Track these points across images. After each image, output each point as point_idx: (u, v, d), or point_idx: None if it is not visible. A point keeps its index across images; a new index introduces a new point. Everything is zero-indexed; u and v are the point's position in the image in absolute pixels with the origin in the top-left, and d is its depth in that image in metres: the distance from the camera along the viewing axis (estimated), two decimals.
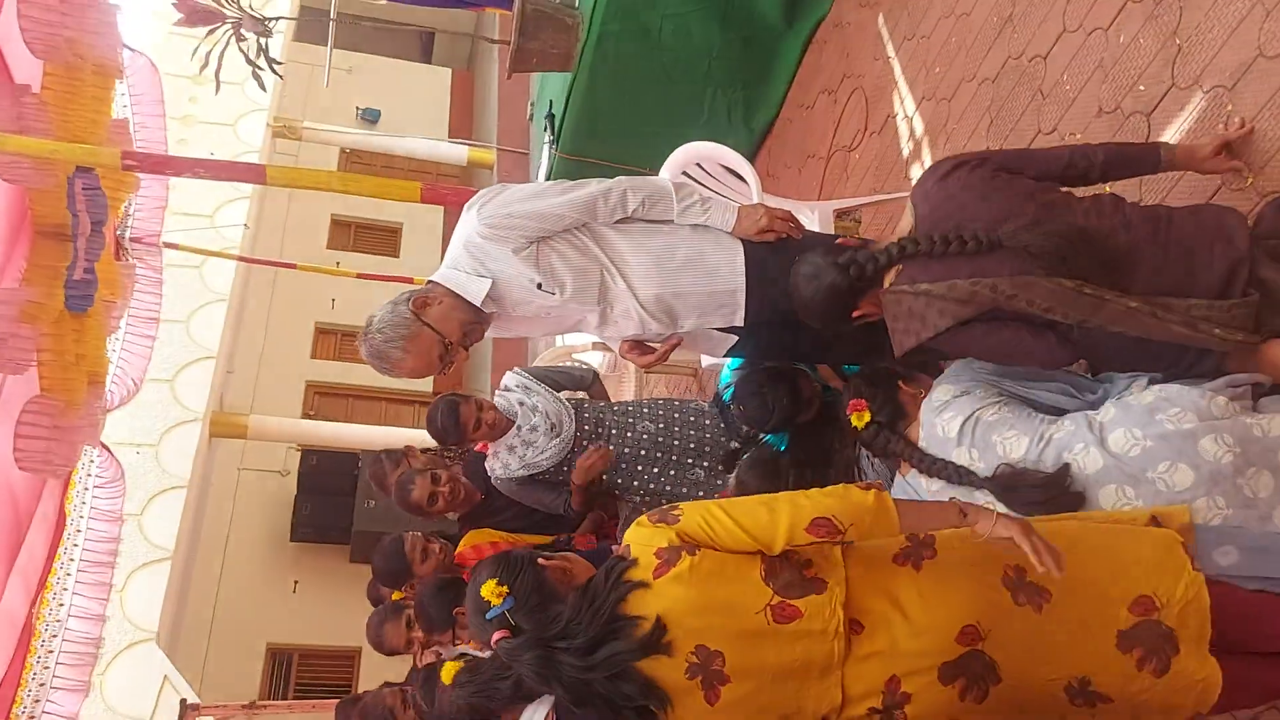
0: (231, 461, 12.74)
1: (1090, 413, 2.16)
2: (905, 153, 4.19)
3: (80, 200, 6.74)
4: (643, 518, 1.85)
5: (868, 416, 2.43)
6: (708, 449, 3.49)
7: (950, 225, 2.19)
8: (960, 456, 2.24)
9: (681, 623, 1.74)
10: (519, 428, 3.54)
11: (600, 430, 3.53)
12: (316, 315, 14.72)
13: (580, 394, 3.83)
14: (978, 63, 3.76)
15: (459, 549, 3.94)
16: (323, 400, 14.37)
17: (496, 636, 1.91)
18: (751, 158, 5.79)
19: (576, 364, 4.86)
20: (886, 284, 2.32)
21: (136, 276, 8.93)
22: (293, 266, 9.87)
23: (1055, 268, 2.06)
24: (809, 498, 1.77)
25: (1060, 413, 2.24)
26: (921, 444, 2.34)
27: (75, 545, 8.16)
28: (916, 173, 4.08)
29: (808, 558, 1.81)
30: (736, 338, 2.98)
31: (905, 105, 4.25)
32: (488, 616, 1.95)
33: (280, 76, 8.41)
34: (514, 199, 2.80)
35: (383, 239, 16.33)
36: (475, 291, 2.79)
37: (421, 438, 12.23)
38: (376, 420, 14.29)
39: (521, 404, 3.59)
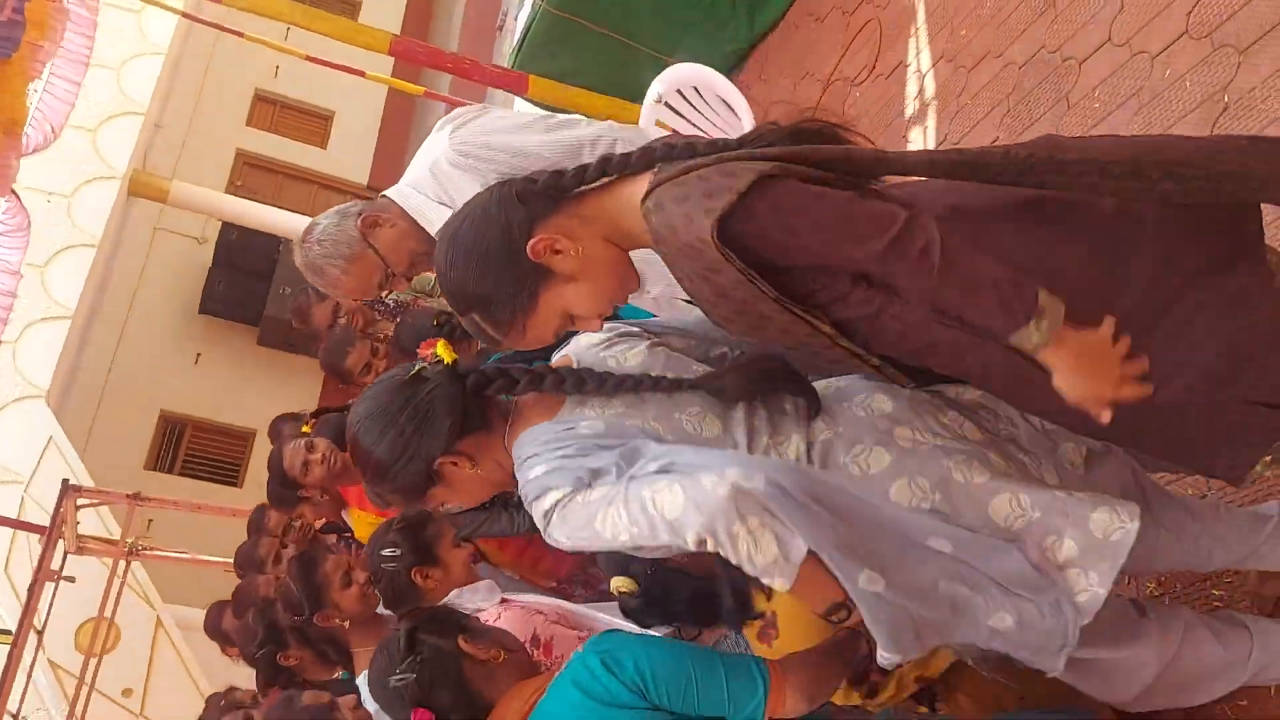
0: (148, 220, 12.22)
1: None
2: (909, 112, 3.96)
3: None
4: None
5: None
6: None
7: None
8: None
9: None
10: None
11: None
12: (257, 81, 13.93)
13: None
14: (1008, 41, 3.51)
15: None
16: (252, 172, 13.77)
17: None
18: (746, 55, 5.47)
19: None
20: None
21: (70, 16, 8.30)
22: (239, 34, 9.23)
23: None
24: None
25: None
26: None
27: None
28: (917, 139, 3.87)
29: None
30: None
31: (921, 59, 3.98)
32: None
33: None
34: (493, 127, 2.54)
35: (339, 7, 15.38)
36: (435, 219, 2.56)
37: None
38: (306, 204, 13.79)
39: None
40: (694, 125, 3.70)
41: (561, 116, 2.62)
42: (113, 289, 11.31)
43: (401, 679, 1.73)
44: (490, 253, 1.57)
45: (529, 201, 1.59)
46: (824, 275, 1.51)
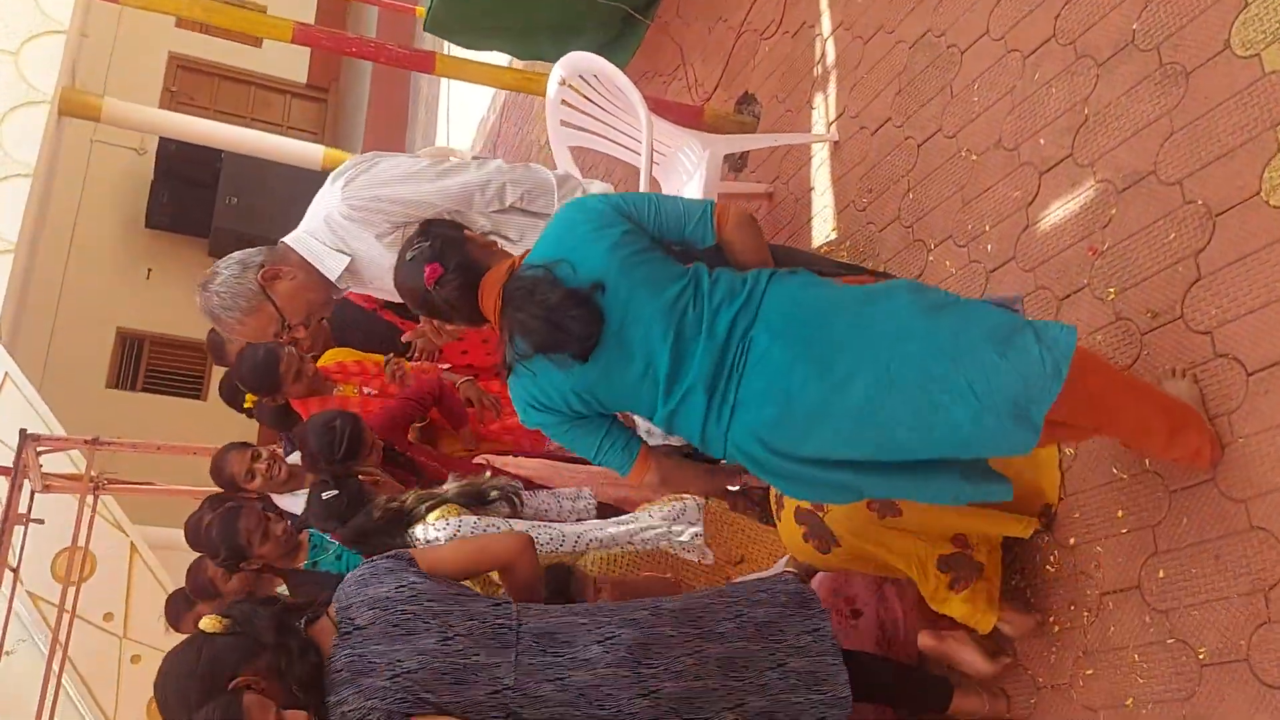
0: (83, 134, 11.97)
1: None
2: (815, 75, 4.01)
3: None
4: None
5: None
6: None
7: None
8: None
9: None
10: None
11: None
12: None
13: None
14: (899, 17, 3.56)
15: (322, 364, 3.95)
16: (186, 76, 13.46)
17: None
18: None
19: None
20: None
21: None
22: None
23: None
24: None
25: None
26: None
27: None
28: (819, 105, 3.94)
29: None
30: None
31: (822, 23, 4.02)
32: None
33: None
34: (383, 178, 2.64)
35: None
36: (332, 267, 2.69)
37: (283, 147, 11.69)
38: (244, 106, 13.55)
39: None
40: (597, 106, 3.76)
41: (451, 161, 2.71)
42: (54, 213, 11.14)
43: (418, 248, 2.09)
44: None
45: None
46: None
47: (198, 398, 12.27)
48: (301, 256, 2.69)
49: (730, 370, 1.93)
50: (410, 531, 2.72)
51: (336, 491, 2.85)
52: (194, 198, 12.12)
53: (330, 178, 2.67)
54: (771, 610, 2.31)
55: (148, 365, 12.35)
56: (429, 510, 2.76)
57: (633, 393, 1.99)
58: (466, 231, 2.16)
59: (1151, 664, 2.31)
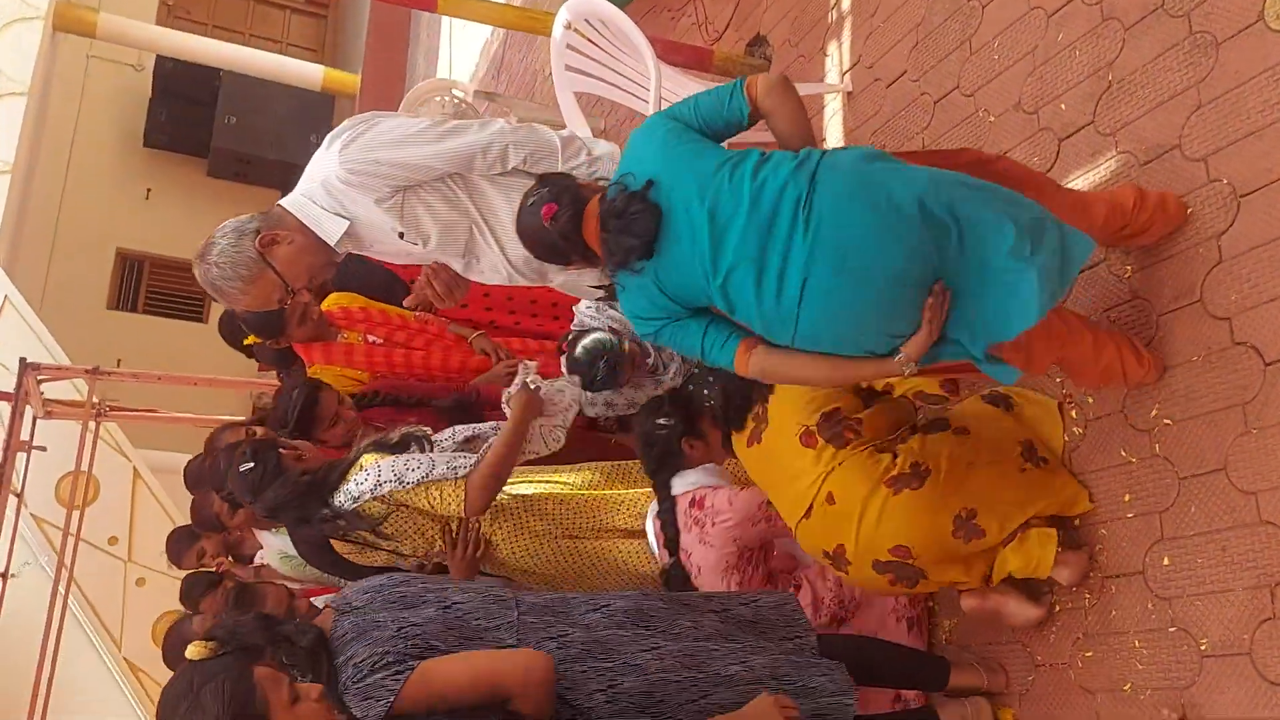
0: (79, 50, 11.75)
1: None
2: (829, 20, 3.88)
3: None
4: None
5: None
6: None
7: None
8: None
9: None
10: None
11: None
12: None
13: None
14: None
15: (326, 307, 3.91)
16: None
17: None
18: None
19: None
20: None
21: None
22: None
23: None
24: None
25: None
26: None
27: None
28: (833, 53, 3.82)
29: None
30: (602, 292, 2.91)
31: None
32: None
33: None
34: (381, 141, 2.55)
35: None
36: (331, 231, 2.61)
37: (282, 67, 11.43)
38: (242, 22, 13.27)
39: None
40: (603, 51, 3.65)
41: (452, 123, 2.62)
42: (51, 132, 10.99)
43: (537, 195, 2.21)
44: None
45: None
46: None
47: (199, 320, 12.24)
48: (299, 219, 2.61)
49: (788, 244, 1.96)
50: (332, 501, 2.78)
51: (253, 464, 2.82)
52: (193, 117, 11.95)
53: (327, 140, 2.58)
54: (757, 612, 2.38)
55: (148, 287, 12.29)
56: (341, 476, 2.81)
57: (689, 271, 2.06)
58: (578, 180, 2.28)
59: (1152, 651, 2.31)
